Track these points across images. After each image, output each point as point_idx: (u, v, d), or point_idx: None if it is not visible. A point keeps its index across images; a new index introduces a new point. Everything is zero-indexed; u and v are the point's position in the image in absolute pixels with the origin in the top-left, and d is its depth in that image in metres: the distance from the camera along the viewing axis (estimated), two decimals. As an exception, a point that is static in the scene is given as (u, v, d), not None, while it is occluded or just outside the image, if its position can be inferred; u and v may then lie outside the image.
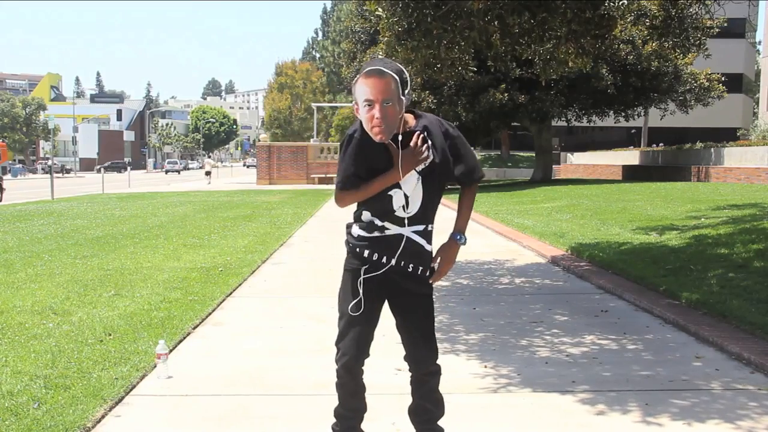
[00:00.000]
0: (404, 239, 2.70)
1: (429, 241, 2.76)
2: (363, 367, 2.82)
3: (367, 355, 2.81)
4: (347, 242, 2.81)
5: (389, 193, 2.66)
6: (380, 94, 2.51)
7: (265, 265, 8.33)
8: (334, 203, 2.83)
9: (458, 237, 2.81)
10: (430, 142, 2.66)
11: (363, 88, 2.54)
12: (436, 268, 2.82)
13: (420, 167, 2.65)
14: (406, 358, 2.85)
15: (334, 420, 2.99)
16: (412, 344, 2.80)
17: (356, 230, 2.76)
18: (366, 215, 2.73)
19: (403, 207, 2.68)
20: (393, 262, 2.71)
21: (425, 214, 2.71)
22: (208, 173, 40.98)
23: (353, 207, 2.80)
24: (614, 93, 23.35)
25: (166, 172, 72.75)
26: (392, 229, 2.70)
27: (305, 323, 5.44)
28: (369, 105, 2.54)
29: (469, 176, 2.79)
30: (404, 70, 2.63)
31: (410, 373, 2.88)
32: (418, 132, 2.63)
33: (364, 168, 2.65)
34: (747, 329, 4.74)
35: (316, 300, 6.32)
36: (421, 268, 2.75)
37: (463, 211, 2.85)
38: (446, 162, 2.71)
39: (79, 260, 8.47)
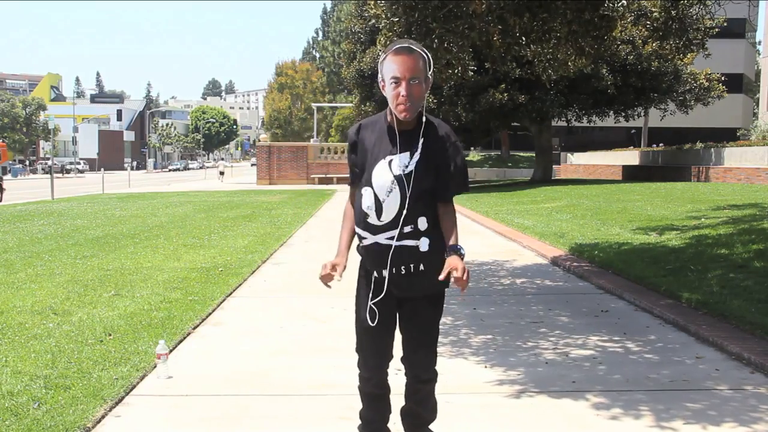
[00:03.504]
0: (383, 248, 2.61)
1: (419, 238, 2.61)
2: (387, 370, 2.81)
3: (390, 357, 2.78)
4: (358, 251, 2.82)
5: (362, 191, 2.64)
6: (408, 71, 2.50)
7: (265, 265, 8.33)
8: (344, 203, 2.90)
9: (458, 247, 2.62)
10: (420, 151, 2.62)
11: (391, 65, 2.53)
12: (451, 279, 2.58)
13: (398, 172, 2.58)
14: (402, 361, 2.80)
15: (358, 421, 2.96)
16: (410, 349, 2.75)
17: (357, 240, 2.78)
18: (357, 217, 2.72)
19: (376, 213, 2.61)
20: (385, 273, 2.65)
21: (408, 219, 2.59)
22: (221, 173, 44.66)
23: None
24: (614, 93, 23.36)
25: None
26: (368, 238, 2.65)
27: (305, 323, 5.43)
28: (396, 82, 2.52)
29: (457, 189, 2.66)
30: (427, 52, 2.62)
31: (405, 378, 2.83)
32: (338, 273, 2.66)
33: (362, 159, 2.68)
34: (747, 329, 4.74)
35: (316, 300, 6.32)
36: (418, 265, 2.63)
37: (448, 232, 2.65)
38: (438, 170, 2.62)
39: (79, 260, 8.47)
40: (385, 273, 2.64)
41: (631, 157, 31.80)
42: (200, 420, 3.46)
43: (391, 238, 2.60)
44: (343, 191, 27.52)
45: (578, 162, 38.75)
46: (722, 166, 22.50)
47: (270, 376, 4.12)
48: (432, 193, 2.63)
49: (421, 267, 2.62)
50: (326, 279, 2.68)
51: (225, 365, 4.34)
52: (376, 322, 2.68)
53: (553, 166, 30.77)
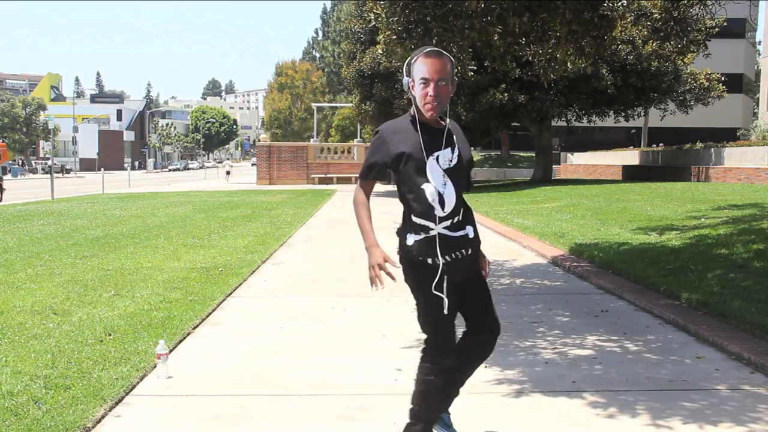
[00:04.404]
0: (446, 237, 2.80)
1: (465, 226, 2.87)
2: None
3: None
4: (402, 250, 2.86)
5: (422, 187, 2.79)
6: (436, 73, 2.72)
7: (265, 265, 8.33)
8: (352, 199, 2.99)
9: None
10: (455, 141, 2.90)
11: (421, 67, 2.74)
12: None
13: (446, 166, 2.81)
14: (472, 324, 3.01)
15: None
16: (481, 313, 2.99)
17: (410, 237, 2.83)
18: (414, 211, 2.82)
19: (440, 205, 2.79)
20: (448, 258, 2.80)
21: (458, 209, 2.84)
22: (228, 172, 46.26)
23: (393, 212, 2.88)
24: (614, 93, 23.34)
25: None
26: (435, 229, 2.80)
27: (305, 323, 5.43)
28: (424, 83, 2.74)
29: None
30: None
31: (471, 338, 3.02)
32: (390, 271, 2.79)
33: (405, 161, 2.80)
34: (747, 329, 4.74)
35: (316, 300, 6.32)
36: (469, 250, 2.88)
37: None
38: (467, 163, 2.90)
39: (79, 260, 8.47)
40: (448, 259, 2.80)
41: (631, 157, 31.80)
42: (200, 420, 3.46)
43: (454, 229, 2.82)
44: (343, 191, 27.46)
45: (578, 162, 38.75)
46: (722, 166, 22.50)
47: (270, 376, 4.12)
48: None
49: (470, 251, 2.88)
50: (379, 277, 2.79)
51: (225, 365, 4.34)
52: (449, 309, 2.81)
53: (553, 166, 30.77)
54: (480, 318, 3.00)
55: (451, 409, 3.13)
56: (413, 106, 2.86)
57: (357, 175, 2.90)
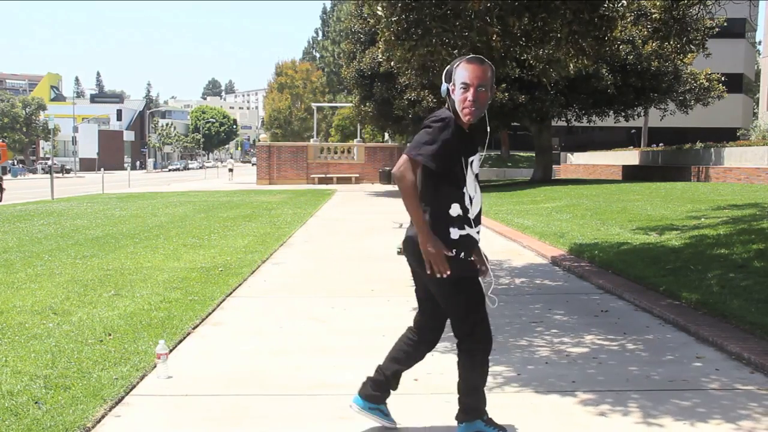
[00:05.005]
0: (475, 240, 2.96)
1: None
2: None
3: None
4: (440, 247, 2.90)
5: (463, 190, 2.88)
6: (477, 79, 2.82)
7: (265, 265, 8.33)
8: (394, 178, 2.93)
9: None
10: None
11: (463, 72, 2.85)
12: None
13: (476, 170, 2.95)
14: (424, 323, 3.19)
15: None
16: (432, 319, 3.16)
17: (454, 232, 2.89)
18: (455, 209, 2.88)
19: (471, 208, 2.90)
20: (473, 258, 2.95)
21: (480, 214, 2.99)
22: (230, 170, 46.71)
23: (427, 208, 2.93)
24: (614, 93, 23.35)
25: None
26: (465, 230, 2.90)
27: (305, 323, 5.44)
28: (465, 88, 2.84)
29: None
30: None
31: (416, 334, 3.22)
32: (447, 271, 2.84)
33: (449, 152, 2.84)
34: (747, 329, 4.75)
35: (316, 300, 6.32)
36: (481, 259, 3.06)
37: None
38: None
39: (79, 260, 8.47)
40: (471, 256, 2.96)
41: (631, 157, 31.80)
42: (200, 420, 3.46)
43: (478, 233, 2.98)
44: (344, 191, 27.47)
45: (578, 162, 38.74)
46: (722, 166, 22.50)
47: (270, 376, 4.12)
48: None
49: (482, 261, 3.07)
50: (444, 266, 2.84)
51: (225, 365, 4.34)
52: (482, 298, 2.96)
53: (553, 166, 30.77)
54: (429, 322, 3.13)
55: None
56: (447, 107, 2.95)
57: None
